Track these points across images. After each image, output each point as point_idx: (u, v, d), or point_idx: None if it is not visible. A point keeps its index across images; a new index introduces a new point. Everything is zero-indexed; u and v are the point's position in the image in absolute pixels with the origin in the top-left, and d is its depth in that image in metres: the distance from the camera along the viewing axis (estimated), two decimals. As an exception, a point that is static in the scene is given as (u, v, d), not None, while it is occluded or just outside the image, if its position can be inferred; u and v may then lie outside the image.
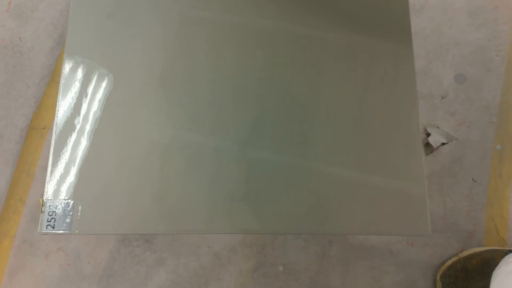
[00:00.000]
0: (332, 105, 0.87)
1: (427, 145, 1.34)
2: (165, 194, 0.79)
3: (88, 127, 0.84)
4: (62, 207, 0.78)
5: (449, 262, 1.23)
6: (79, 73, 0.86)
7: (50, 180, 0.79)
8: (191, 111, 0.84)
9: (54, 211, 0.78)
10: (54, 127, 0.84)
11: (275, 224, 0.79)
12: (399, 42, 0.93)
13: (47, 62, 1.46)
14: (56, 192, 0.79)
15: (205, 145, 0.83)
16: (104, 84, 0.86)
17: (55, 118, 0.84)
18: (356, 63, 0.91)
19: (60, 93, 0.85)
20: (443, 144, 1.36)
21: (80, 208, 0.78)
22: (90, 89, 0.86)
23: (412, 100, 0.89)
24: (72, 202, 0.79)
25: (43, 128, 1.39)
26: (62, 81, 0.86)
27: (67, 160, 0.81)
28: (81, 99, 0.85)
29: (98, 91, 0.86)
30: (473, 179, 1.34)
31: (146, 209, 0.79)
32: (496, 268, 0.99)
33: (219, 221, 0.79)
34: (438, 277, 1.23)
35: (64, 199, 0.78)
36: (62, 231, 0.77)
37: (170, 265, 1.29)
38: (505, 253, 1.18)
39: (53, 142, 0.82)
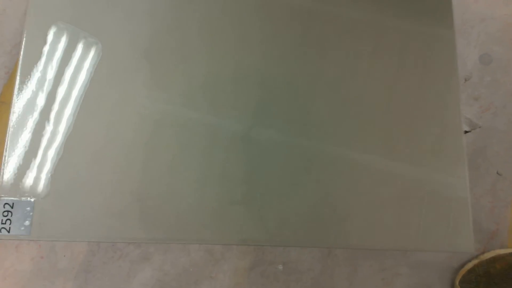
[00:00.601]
0: (356, 88, 0.73)
1: (448, 133, 1.20)
2: (148, 192, 0.65)
3: (55, 106, 0.69)
4: (20, 206, 0.63)
5: (469, 265, 1.11)
6: (46, 38, 0.70)
7: (5, 173, 0.64)
8: (185, 86, 0.69)
9: (10, 211, 0.63)
10: (12, 106, 0.68)
11: (283, 234, 0.65)
12: (437, 19, 0.79)
13: (20, 27, 1.29)
14: (14, 187, 0.64)
15: (199, 130, 0.68)
16: (78, 52, 0.70)
17: (14, 94, 0.69)
18: (387, 42, 0.76)
19: (21, 62, 0.69)
20: (465, 132, 1.22)
21: (42, 208, 0.66)
22: (57, 59, 0.70)
23: (453, 89, 0.75)
24: (33, 200, 0.65)
25: (15, 103, 1.23)
26: (23, 46, 0.70)
27: (27, 148, 0.66)
28: (45, 71, 0.69)
29: (69, 60, 0.70)
30: (497, 172, 1.20)
31: (125, 212, 0.65)
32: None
33: (212, 229, 0.65)
34: (456, 282, 1.10)
35: (23, 197, 0.65)
36: (19, 236, 0.62)
37: (156, 261, 1.15)
38: (534, 257, 1.06)
39: (10, 124, 0.67)
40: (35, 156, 0.67)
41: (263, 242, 0.67)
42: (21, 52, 0.69)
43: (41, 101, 0.69)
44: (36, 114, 0.68)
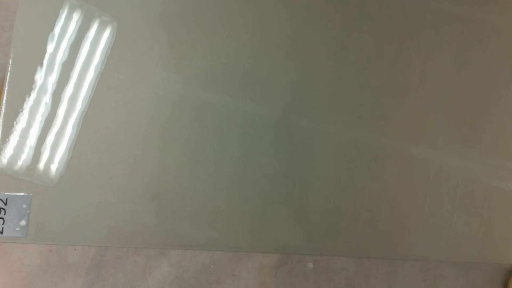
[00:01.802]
0: (416, 75, 0.63)
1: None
2: (162, 189, 0.55)
3: (54, 86, 0.58)
4: (15, 203, 0.52)
5: (524, 267, 0.99)
6: (59, 16, 0.61)
7: (-3, 163, 0.54)
8: (204, 67, 0.62)
9: (3, 209, 0.53)
10: (6, 86, 0.57)
11: (327, 241, 0.54)
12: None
13: None
14: (7, 181, 0.56)
15: (222, 115, 0.58)
16: (91, 31, 0.61)
17: (7, 72, 0.58)
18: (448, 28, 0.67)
19: (16, 36, 0.59)
20: None
21: (41, 205, 0.56)
22: (67, 39, 0.61)
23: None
24: (30, 196, 0.56)
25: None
26: (17, 21, 0.59)
27: (24, 134, 0.56)
28: (44, 46, 0.59)
29: (73, 33, 0.60)
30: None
31: (137, 211, 0.54)
32: None
33: (239, 232, 0.54)
34: (510, 285, 0.98)
35: (19, 192, 0.56)
36: (14, 238, 0.52)
37: (174, 256, 1.05)
38: None
39: (3, 106, 0.56)
40: (33, 143, 0.57)
41: (303, 251, 0.56)
42: (16, 27, 0.59)
43: (39, 80, 0.59)
44: (34, 94, 0.58)
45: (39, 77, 0.60)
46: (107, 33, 0.64)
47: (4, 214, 0.54)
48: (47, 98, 0.59)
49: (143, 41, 0.64)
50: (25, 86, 0.59)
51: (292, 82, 0.63)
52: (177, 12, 0.66)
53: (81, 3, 0.64)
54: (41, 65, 0.61)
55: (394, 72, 0.65)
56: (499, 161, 0.64)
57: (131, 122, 0.60)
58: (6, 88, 0.59)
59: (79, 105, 0.60)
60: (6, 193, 0.55)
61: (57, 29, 0.63)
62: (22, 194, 0.55)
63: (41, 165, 0.57)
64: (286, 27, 0.65)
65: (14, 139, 0.57)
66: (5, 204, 0.55)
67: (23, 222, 0.54)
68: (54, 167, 0.57)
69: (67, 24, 0.63)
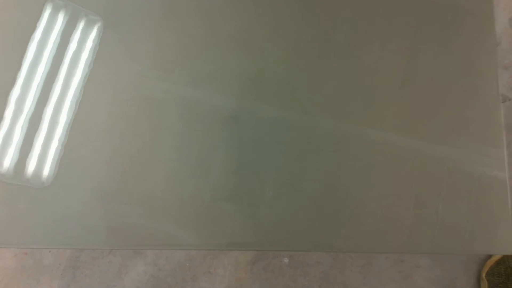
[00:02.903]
0: (373, 54, 0.64)
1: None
2: (113, 188, 0.55)
3: (38, 87, 0.59)
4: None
5: (498, 256, 0.99)
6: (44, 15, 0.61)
7: None
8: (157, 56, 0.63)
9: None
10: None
11: (279, 237, 0.54)
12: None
13: None
14: None
15: (173, 106, 0.59)
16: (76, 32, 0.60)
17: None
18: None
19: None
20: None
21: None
22: (41, 31, 0.62)
23: (489, 55, 0.62)
24: None
25: None
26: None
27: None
28: (27, 46, 0.60)
29: (58, 32, 0.63)
30: (530, 151, 1.06)
31: (86, 212, 0.53)
32: None
33: (191, 231, 0.53)
34: (483, 275, 0.98)
35: None
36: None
37: (149, 255, 1.05)
38: None
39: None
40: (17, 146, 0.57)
41: (255, 247, 0.56)
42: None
43: (22, 83, 0.59)
44: (17, 97, 0.58)
45: (22, 79, 0.60)
46: (92, 32, 0.64)
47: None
48: (30, 101, 0.60)
49: (129, 40, 0.64)
50: (8, 88, 0.60)
51: (245, 73, 0.62)
52: (165, 9, 0.66)
53: (66, 2, 0.65)
54: (25, 65, 0.61)
55: (351, 54, 0.65)
56: (484, 149, 0.64)
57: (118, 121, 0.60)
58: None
59: (65, 107, 0.61)
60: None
61: (41, 28, 0.63)
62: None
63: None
64: (263, 23, 0.66)
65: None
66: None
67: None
68: (10, 163, 0.56)
69: (51, 23, 0.64)
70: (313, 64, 0.64)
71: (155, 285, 1.03)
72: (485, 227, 0.61)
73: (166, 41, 0.65)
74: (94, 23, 0.65)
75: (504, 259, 0.98)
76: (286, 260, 1.03)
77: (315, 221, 0.59)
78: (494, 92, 0.64)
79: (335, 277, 1.02)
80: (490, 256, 1.01)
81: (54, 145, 0.58)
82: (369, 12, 0.67)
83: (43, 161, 0.58)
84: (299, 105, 0.63)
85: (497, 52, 0.66)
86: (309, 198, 0.59)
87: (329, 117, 0.62)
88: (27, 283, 1.05)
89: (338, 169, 0.60)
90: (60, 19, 0.64)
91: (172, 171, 0.58)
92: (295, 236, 0.58)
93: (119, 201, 0.57)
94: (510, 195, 0.62)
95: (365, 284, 1.01)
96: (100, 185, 0.57)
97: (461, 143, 0.63)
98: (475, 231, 0.60)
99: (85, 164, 0.58)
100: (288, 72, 0.64)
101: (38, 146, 0.58)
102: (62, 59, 0.62)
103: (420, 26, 0.67)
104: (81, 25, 0.65)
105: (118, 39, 0.64)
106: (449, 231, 0.60)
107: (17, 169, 0.57)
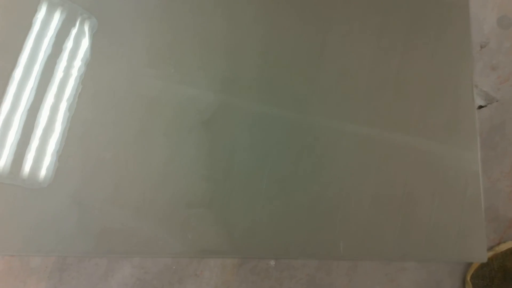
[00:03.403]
0: (355, 57, 0.65)
1: (461, 108, 1.06)
2: (86, 192, 0.54)
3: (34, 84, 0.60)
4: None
5: (484, 258, 0.99)
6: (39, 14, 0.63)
7: None
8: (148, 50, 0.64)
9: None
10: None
11: (253, 244, 0.54)
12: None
13: None
14: None
15: (142, 103, 0.61)
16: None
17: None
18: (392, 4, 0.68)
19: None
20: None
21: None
22: (37, 30, 0.64)
23: (466, 58, 0.62)
24: None
25: None
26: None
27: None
28: (23, 45, 0.63)
29: (53, 32, 0.64)
30: (517, 152, 1.06)
31: (60, 218, 0.54)
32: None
33: (163, 238, 0.54)
34: (468, 277, 0.98)
35: None
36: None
37: (136, 258, 1.04)
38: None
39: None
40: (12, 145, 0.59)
41: (228, 254, 0.56)
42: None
43: (18, 83, 0.61)
44: (12, 97, 0.60)
45: (18, 78, 0.61)
46: (88, 30, 0.65)
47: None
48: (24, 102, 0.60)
49: (124, 37, 0.65)
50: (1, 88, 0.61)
51: (237, 74, 0.63)
52: (159, 7, 0.66)
53: (61, 0, 0.65)
54: (19, 66, 0.61)
55: (339, 56, 0.66)
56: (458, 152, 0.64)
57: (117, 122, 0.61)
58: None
59: (62, 106, 0.61)
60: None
61: (36, 27, 0.64)
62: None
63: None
64: (257, 22, 0.66)
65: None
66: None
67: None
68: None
69: (46, 22, 0.64)
70: (306, 64, 0.65)
71: (141, 288, 1.03)
72: (457, 235, 0.61)
73: (160, 39, 0.65)
74: (88, 21, 0.65)
75: (489, 262, 0.98)
76: (272, 262, 1.03)
77: (302, 227, 0.59)
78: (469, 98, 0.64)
79: (321, 280, 1.02)
80: (476, 258, 1.01)
81: (50, 148, 0.60)
82: (360, 12, 0.68)
83: (20, 162, 0.58)
84: (293, 105, 0.64)
85: (472, 54, 0.66)
86: (297, 202, 0.59)
87: (315, 114, 0.63)
88: (14, 285, 1.05)
89: (319, 175, 0.60)
90: (55, 17, 0.65)
91: (146, 176, 0.59)
92: (280, 242, 0.59)
93: (95, 207, 0.57)
94: (483, 198, 0.62)
95: (351, 287, 1.01)
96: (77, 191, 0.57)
97: (436, 145, 0.64)
98: (449, 238, 0.60)
99: (59, 170, 0.58)
100: (284, 72, 0.65)
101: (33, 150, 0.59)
102: (56, 60, 0.63)
103: (414, 23, 0.68)
104: (76, 23, 0.65)
105: (112, 37, 0.65)
106: (439, 238, 0.61)
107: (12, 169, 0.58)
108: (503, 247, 1.00)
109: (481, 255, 0.60)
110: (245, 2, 0.67)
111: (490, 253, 0.99)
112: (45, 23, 0.64)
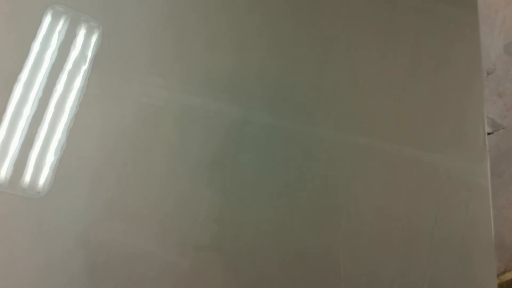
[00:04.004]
0: (366, 76, 0.66)
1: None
2: (90, 236, 0.53)
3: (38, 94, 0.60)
4: None
5: (490, 286, 0.98)
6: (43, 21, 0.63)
7: None
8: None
9: None
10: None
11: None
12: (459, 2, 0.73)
13: None
14: None
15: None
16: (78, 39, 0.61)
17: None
18: (402, 25, 0.69)
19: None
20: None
21: None
22: (41, 38, 0.63)
23: (477, 86, 0.67)
24: None
25: None
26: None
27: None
28: (27, 54, 0.63)
29: (58, 39, 0.63)
30: (522, 180, 1.06)
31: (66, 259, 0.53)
32: None
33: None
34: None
35: None
36: None
37: None
38: None
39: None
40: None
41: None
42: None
43: (21, 91, 0.60)
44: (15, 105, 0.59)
45: (21, 87, 0.61)
46: (93, 38, 0.65)
47: None
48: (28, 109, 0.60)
49: (128, 46, 0.65)
50: (5, 96, 0.59)
51: (241, 82, 0.64)
52: (163, 16, 0.67)
53: (66, 8, 0.65)
54: (24, 75, 0.61)
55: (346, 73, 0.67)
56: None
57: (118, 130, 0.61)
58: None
59: (65, 114, 0.61)
60: None
61: (41, 36, 0.63)
62: None
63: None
64: (261, 31, 0.67)
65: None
66: None
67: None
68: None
69: (51, 31, 0.64)
70: (312, 75, 0.66)
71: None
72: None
73: (163, 48, 0.65)
74: (93, 30, 0.65)
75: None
76: None
77: (313, 274, 0.58)
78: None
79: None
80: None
81: (50, 158, 0.59)
82: (370, 32, 0.69)
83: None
84: (299, 116, 0.64)
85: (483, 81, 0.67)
86: (308, 248, 0.58)
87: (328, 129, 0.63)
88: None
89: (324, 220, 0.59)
90: (60, 26, 0.65)
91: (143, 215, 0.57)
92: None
93: (102, 250, 0.55)
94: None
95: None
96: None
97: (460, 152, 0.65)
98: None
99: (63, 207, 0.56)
100: (289, 83, 0.65)
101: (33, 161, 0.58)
102: (59, 70, 0.62)
103: (419, 35, 0.69)
104: (80, 32, 0.65)
105: (115, 47, 0.65)
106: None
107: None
108: (509, 275, 0.99)
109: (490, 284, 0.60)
110: (251, 12, 0.68)
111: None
112: (49, 32, 0.64)
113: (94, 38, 0.65)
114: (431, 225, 0.60)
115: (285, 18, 0.68)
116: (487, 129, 1.08)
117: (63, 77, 0.62)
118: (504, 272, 1.01)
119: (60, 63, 0.63)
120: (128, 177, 0.58)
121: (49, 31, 0.64)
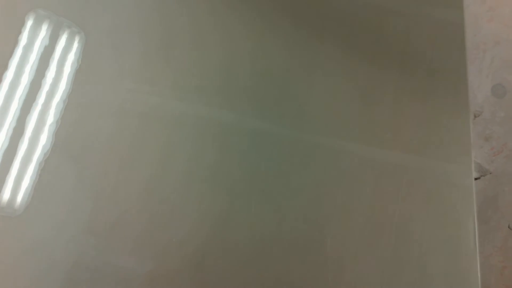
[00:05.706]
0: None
1: (454, 180, 1.06)
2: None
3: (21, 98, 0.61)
4: None
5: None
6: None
7: None
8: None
9: None
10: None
11: None
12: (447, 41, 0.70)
13: None
14: None
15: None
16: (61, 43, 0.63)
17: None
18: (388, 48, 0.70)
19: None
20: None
21: None
22: (23, 43, 0.64)
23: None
24: None
25: None
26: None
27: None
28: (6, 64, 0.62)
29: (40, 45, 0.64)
30: (509, 227, 1.05)
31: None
32: None
33: None
34: None
35: None
36: None
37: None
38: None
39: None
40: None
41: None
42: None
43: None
44: None
45: (2, 96, 0.60)
46: (75, 44, 0.65)
47: None
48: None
49: (114, 52, 0.65)
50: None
51: (232, 89, 0.66)
52: (149, 20, 0.68)
53: (49, 13, 0.65)
54: (6, 83, 0.61)
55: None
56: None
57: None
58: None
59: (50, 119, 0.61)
60: None
61: (23, 42, 0.63)
62: None
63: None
64: (251, 38, 0.69)
65: None
66: None
67: None
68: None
69: (33, 37, 0.64)
70: (300, 82, 0.67)
71: None
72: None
73: (153, 53, 0.66)
74: (76, 36, 0.65)
75: None
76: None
77: None
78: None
79: None
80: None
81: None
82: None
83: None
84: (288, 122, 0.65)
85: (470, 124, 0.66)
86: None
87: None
88: None
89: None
90: (42, 31, 0.64)
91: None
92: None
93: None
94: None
95: None
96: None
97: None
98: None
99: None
100: (278, 89, 0.66)
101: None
102: (40, 79, 0.62)
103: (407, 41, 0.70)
104: (63, 37, 0.65)
105: (102, 53, 0.65)
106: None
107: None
108: (495, 326, 0.98)
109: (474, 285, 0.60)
110: (240, 17, 0.69)
111: (482, 333, 0.98)
112: (31, 38, 0.64)
113: (76, 45, 0.65)
114: (419, 230, 0.60)
115: (275, 24, 0.69)
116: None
117: (44, 88, 0.62)
118: (490, 322, 1.00)
119: (42, 72, 0.63)
120: (109, 190, 0.58)
121: (32, 36, 0.64)
